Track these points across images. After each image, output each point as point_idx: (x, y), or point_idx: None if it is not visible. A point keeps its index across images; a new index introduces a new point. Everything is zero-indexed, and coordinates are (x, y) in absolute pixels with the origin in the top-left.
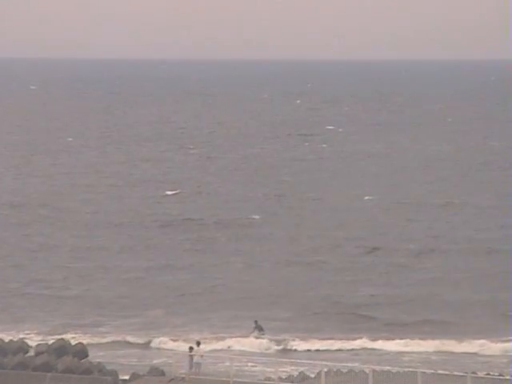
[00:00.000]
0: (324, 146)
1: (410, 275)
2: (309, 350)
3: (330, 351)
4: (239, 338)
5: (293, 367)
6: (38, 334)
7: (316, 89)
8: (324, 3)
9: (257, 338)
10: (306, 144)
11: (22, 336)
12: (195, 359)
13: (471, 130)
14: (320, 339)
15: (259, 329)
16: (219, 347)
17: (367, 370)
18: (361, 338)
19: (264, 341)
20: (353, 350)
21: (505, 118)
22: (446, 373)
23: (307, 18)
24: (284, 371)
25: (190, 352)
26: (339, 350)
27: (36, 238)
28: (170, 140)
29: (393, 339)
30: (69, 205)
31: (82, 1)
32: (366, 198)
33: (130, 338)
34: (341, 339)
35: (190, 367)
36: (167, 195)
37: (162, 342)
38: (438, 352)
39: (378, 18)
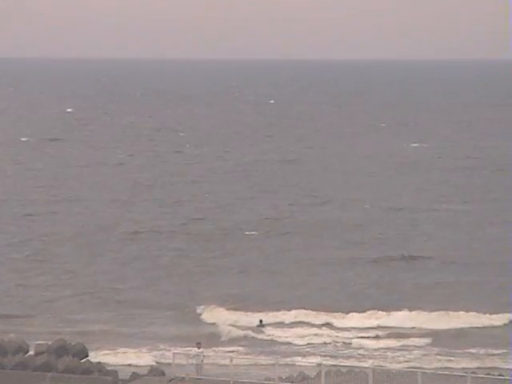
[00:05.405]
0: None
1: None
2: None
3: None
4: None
5: (293, 368)
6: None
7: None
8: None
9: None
10: None
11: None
12: (196, 360)
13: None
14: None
15: (261, 326)
16: (219, 348)
17: (367, 370)
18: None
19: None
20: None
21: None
22: (446, 373)
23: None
24: (284, 371)
25: (198, 348)
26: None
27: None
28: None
29: None
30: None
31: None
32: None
33: (131, 339)
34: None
35: (196, 369)
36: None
37: (161, 342)
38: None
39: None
